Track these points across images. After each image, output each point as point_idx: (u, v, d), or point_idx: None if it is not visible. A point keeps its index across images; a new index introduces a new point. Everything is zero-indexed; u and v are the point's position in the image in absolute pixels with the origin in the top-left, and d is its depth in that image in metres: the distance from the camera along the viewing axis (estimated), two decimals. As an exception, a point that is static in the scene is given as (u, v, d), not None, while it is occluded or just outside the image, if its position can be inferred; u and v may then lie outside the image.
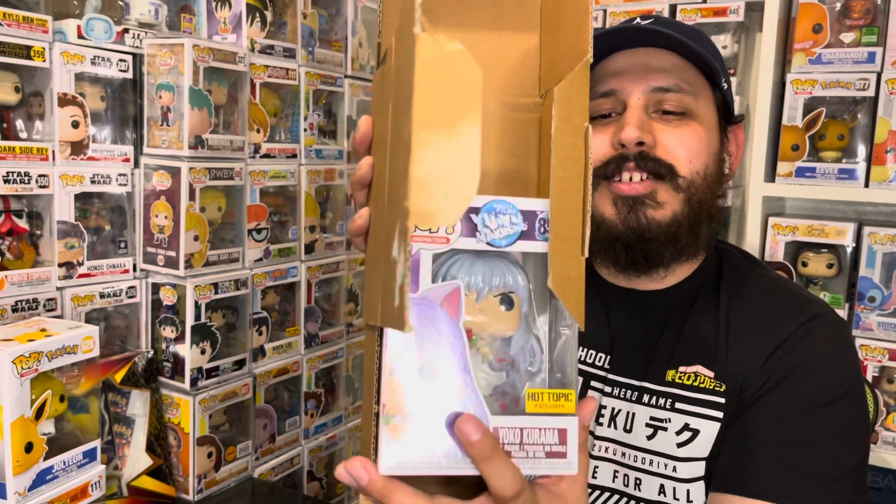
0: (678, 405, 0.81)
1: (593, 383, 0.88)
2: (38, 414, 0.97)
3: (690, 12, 1.62)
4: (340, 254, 1.67)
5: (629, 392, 0.85)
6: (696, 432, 0.80)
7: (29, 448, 0.96)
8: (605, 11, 1.72)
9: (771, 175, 1.49)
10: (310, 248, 1.57)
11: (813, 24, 1.42)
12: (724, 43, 1.63)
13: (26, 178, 1.11)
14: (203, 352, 1.31)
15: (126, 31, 1.22)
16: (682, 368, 0.82)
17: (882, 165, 1.37)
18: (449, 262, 0.52)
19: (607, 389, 0.86)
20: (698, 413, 0.80)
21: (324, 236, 1.61)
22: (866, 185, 1.39)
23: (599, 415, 0.86)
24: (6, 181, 1.08)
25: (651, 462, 0.82)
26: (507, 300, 0.52)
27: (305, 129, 1.53)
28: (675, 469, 0.80)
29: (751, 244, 1.50)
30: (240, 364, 1.39)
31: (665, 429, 0.81)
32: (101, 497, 1.08)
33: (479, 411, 0.51)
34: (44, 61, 1.11)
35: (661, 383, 0.83)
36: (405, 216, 0.45)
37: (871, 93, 1.38)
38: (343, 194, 1.66)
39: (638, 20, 0.84)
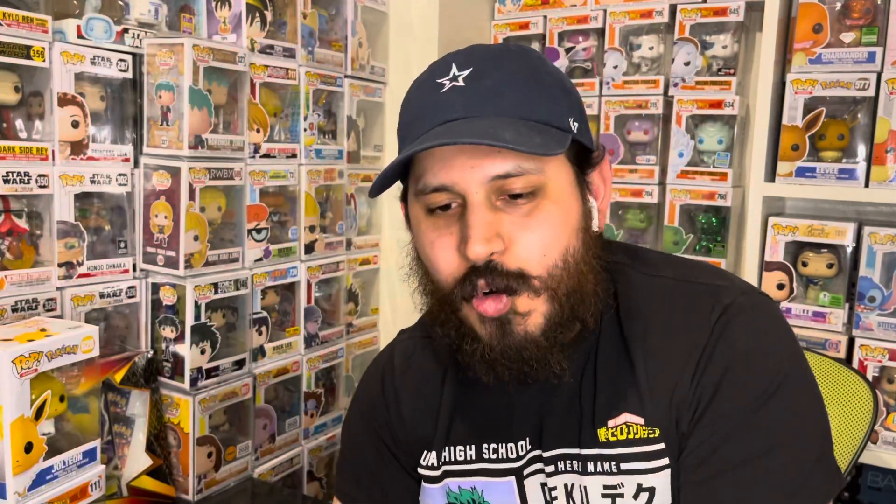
0: (623, 465, 0.74)
1: (528, 471, 0.80)
2: (38, 414, 0.97)
3: (690, 12, 1.62)
4: (340, 254, 1.67)
5: (573, 463, 0.77)
6: (651, 490, 0.73)
7: (29, 448, 0.96)
8: (605, 11, 1.72)
9: (771, 175, 1.49)
10: (310, 248, 1.57)
11: (813, 24, 1.42)
12: (724, 43, 1.63)
13: (26, 178, 1.11)
14: (203, 352, 1.31)
15: (126, 30, 1.22)
16: (610, 423, 0.74)
17: (882, 165, 1.37)
18: None
19: (549, 468, 0.78)
20: (645, 469, 0.73)
21: (324, 236, 1.61)
22: (866, 185, 1.39)
23: (552, 497, 0.78)
24: (6, 181, 1.08)
25: None
26: None
27: (305, 129, 1.53)
28: None
29: (751, 244, 1.50)
30: (240, 364, 1.39)
31: (622, 495, 0.74)
32: (100, 497, 1.08)
33: None
34: (43, 61, 1.11)
35: (598, 446, 0.75)
36: None
37: (871, 93, 1.38)
38: (343, 194, 1.66)
39: (449, 83, 0.72)
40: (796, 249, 1.49)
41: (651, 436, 0.73)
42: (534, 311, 0.71)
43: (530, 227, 0.70)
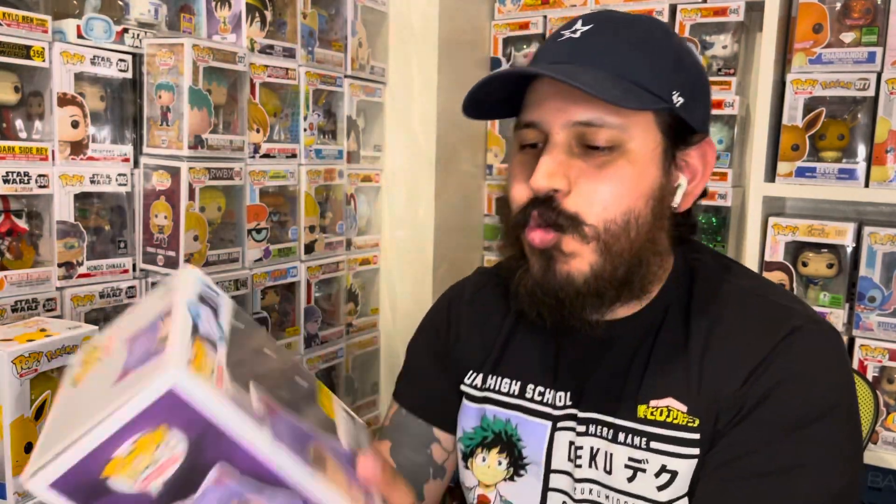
0: (653, 444, 0.76)
1: (561, 424, 0.82)
2: (38, 414, 0.97)
3: (690, 12, 1.62)
4: (340, 254, 1.67)
5: (604, 430, 0.79)
6: (674, 474, 0.75)
7: (28, 448, 0.95)
8: (605, 11, 1.72)
9: (771, 175, 1.49)
10: (309, 248, 1.57)
11: (813, 24, 1.42)
12: (724, 43, 1.63)
13: (26, 178, 1.10)
14: (203, 352, 1.31)
15: (126, 30, 1.22)
16: (653, 403, 0.76)
17: (882, 165, 1.37)
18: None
19: (580, 428, 0.80)
20: (674, 453, 0.75)
21: (323, 236, 1.61)
22: (866, 185, 1.39)
23: (577, 455, 0.80)
24: (6, 181, 1.08)
25: None
26: None
27: (305, 129, 1.53)
28: None
29: (751, 244, 1.50)
30: (239, 364, 1.39)
31: (644, 470, 0.76)
32: (100, 497, 1.08)
33: None
34: (43, 61, 1.11)
35: (634, 420, 0.77)
36: None
37: (871, 93, 1.38)
38: (343, 194, 1.66)
39: (568, 34, 0.76)
40: (796, 249, 1.49)
41: (690, 424, 0.75)
42: (578, 256, 0.74)
43: (599, 178, 0.73)
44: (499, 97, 0.79)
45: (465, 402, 0.90)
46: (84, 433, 0.44)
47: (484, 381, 0.89)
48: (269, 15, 1.43)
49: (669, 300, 0.80)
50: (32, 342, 0.95)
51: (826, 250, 1.46)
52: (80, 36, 1.15)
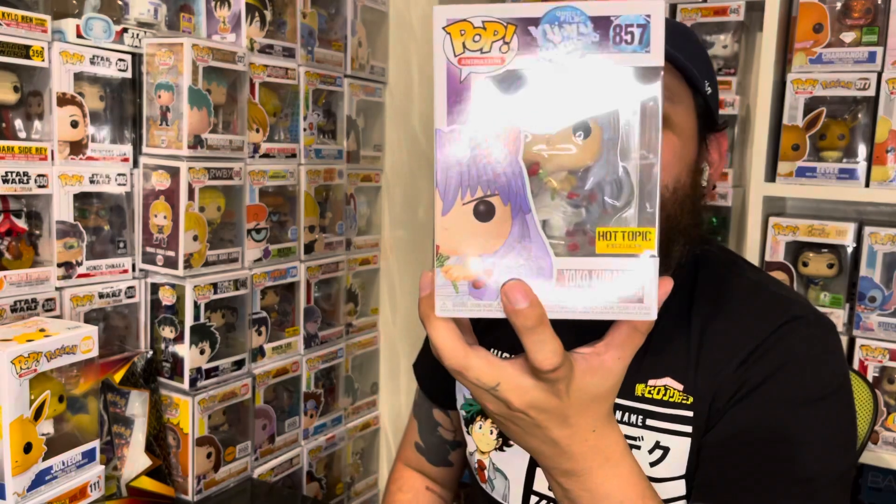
0: (648, 422, 0.78)
1: None
2: (37, 414, 0.97)
3: (691, 11, 1.62)
4: (340, 254, 1.66)
5: None
6: (666, 450, 0.77)
7: (28, 448, 0.95)
8: (605, 11, 1.72)
9: (771, 175, 1.49)
10: (309, 248, 1.56)
11: (813, 24, 1.42)
12: (724, 42, 1.62)
13: (25, 178, 1.10)
14: (202, 352, 1.31)
15: (125, 30, 1.22)
16: (651, 382, 0.79)
17: (883, 165, 1.36)
18: (514, 84, 0.46)
19: None
20: (667, 429, 0.77)
21: (323, 236, 1.61)
22: (867, 185, 1.39)
23: None
24: (5, 181, 1.08)
25: None
26: (584, 127, 0.46)
27: (305, 129, 1.53)
28: None
29: (751, 244, 1.50)
30: (239, 364, 1.39)
31: (638, 447, 0.78)
32: (100, 497, 1.08)
33: (540, 253, 0.47)
34: (43, 61, 1.11)
35: (631, 398, 0.79)
36: None
37: (871, 92, 1.38)
38: (342, 194, 1.66)
39: None
40: (797, 249, 1.48)
41: (684, 402, 0.77)
42: None
43: None
44: None
45: None
46: None
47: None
48: (268, 14, 1.43)
49: (676, 286, 0.81)
50: (32, 342, 0.95)
51: (826, 250, 1.45)
52: (79, 35, 1.15)
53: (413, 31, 1.75)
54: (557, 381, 0.51)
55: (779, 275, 1.47)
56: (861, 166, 1.40)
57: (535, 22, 0.45)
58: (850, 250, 1.43)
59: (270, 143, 1.45)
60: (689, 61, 0.75)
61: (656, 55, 0.45)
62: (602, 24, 0.45)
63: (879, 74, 1.37)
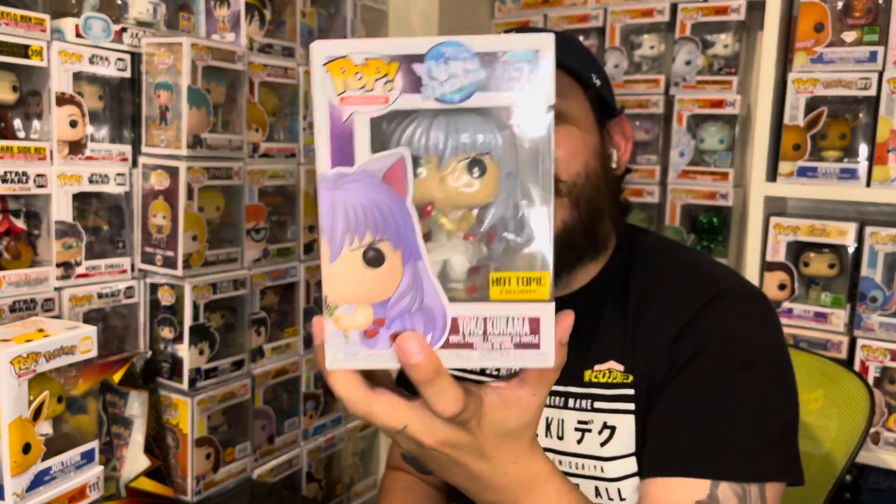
0: (596, 404, 0.83)
1: None
2: (36, 415, 0.96)
3: (691, 11, 1.62)
4: (340, 254, 1.66)
5: (556, 399, 0.85)
6: (613, 429, 0.81)
7: (27, 449, 0.95)
8: (605, 10, 1.71)
9: (772, 175, 1.48)
10: (309, 248, 1.56)
11: (814, 23, 1.42)
12: (725, 42, 1.62)
13: (24, 178, 1.10)
14: (201, 352, 1.30)
15: (124, 29, 1.22)
16: (597, 367, 0.83)
17: (884, 165, 1.36)
18: (401, 125, 0.44)
19: None
20: (612, 409, 0.81)
21: (323, 236, 1.60)
22: (868, 185, 1.39)
23: None
24: (4, 181, 1.07)
25: (583, 466, 0.83)
26: (478, 164, 0.44)
27: (304, 129, 1.53)
28: (602, 469, 0.82)
29: (752, 244, 1.50)
30: (238, 365, 1.39)
31: (590, 430, 0.83)
32: (99, 498, 1.08)
33: (433, 301, 0.45)
34: (41, 60, 1.11)
35: (580, 384, 0.84)
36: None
37: (872, 92, 1.37)
38: (342, 194, 1.66)
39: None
40: (798, 249, 1.48)
41: (626, 381, 0.82)
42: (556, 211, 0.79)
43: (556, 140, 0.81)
44: None
45: None
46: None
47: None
48: (268, 14, 1.43)
49: (610, 276, 0.87)
50: (31, 342, 0.95)
51: (827, 250, 1.45)
52: (78, 35, 1.15)
53: (413, 30, 1.75)
54: (466, 420, 0.50)
55: (780, 275, 1.47)
56: (862, 166, 1.40)
57: (419, 59, 0.43)
58: (851, 250, 1.42)
59: (270, 143, 1.45)
60: (574, 61, 0.82)
61: (547, 92, 0.44)
62: (489, 59, 0.43)
63: (880, 74, 1.37)
